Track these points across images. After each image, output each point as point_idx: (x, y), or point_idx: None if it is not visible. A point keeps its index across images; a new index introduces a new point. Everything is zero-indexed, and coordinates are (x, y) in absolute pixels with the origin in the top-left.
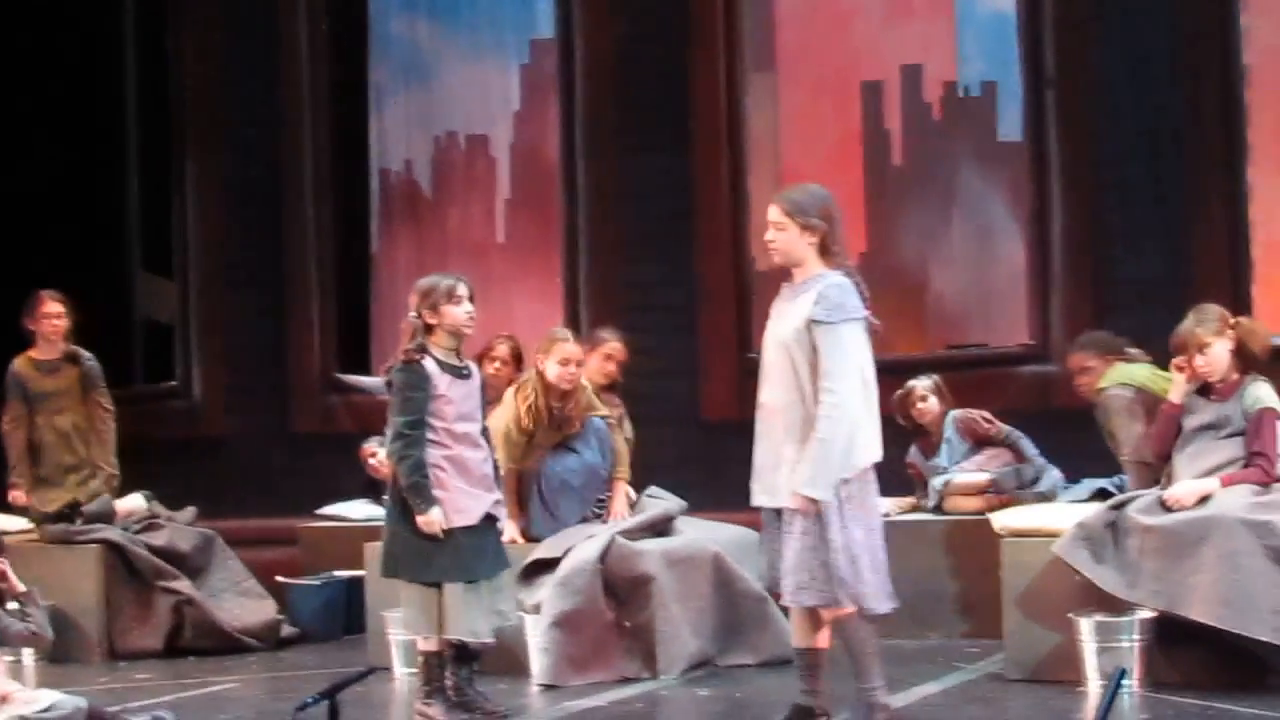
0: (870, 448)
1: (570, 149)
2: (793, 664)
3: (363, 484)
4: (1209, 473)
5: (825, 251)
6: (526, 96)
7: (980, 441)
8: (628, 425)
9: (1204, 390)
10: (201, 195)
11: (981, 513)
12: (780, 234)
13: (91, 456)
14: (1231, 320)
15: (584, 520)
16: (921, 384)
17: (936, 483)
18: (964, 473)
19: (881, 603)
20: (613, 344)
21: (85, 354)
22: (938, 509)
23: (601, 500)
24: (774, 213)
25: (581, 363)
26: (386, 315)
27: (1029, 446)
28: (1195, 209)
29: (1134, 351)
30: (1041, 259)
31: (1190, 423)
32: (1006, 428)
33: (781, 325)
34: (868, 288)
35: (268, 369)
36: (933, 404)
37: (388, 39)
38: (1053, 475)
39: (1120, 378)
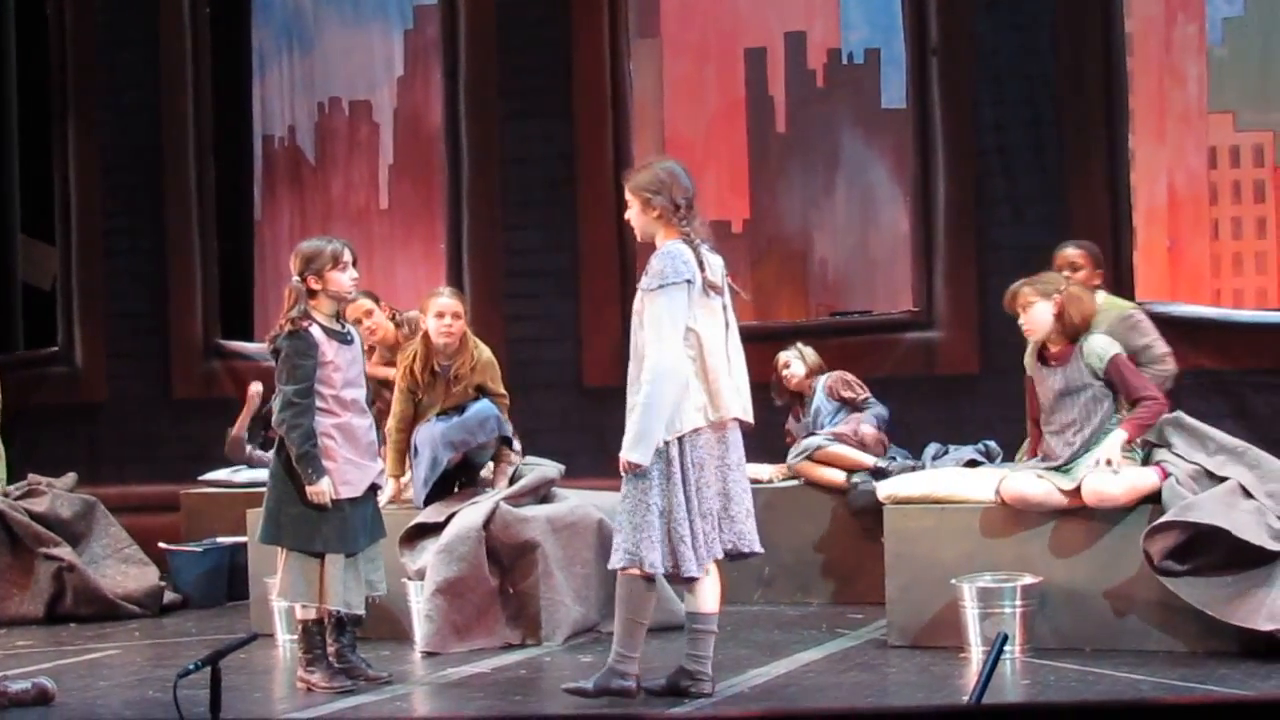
0: (700, 411)
1: (453, 114)
2: (680, 630)
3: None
4: (1077, 435)
5: (670, 224)
6: (410, 62)
7: (843, 401)
8: None
9: (1044, 359)
10: (82, 160)
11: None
12: (630, 212)
13: None
14: (1062, 286)
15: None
16: (785, 353)
17: (810, 442)
18: (838, 443)
19: (696, 567)
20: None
21: None
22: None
23: (464, 478)
24: (626, 192)
25: (459, 314)
26: (269, 281)
27: (881, 419)
28: (1077, 176)
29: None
30: (924, 226)
31: (1045, 392)
32: (868, 398)
33: (636, 296)
34: (724, 254)
35: (149, 334)
36: (797, 369)
37: (270, 4)
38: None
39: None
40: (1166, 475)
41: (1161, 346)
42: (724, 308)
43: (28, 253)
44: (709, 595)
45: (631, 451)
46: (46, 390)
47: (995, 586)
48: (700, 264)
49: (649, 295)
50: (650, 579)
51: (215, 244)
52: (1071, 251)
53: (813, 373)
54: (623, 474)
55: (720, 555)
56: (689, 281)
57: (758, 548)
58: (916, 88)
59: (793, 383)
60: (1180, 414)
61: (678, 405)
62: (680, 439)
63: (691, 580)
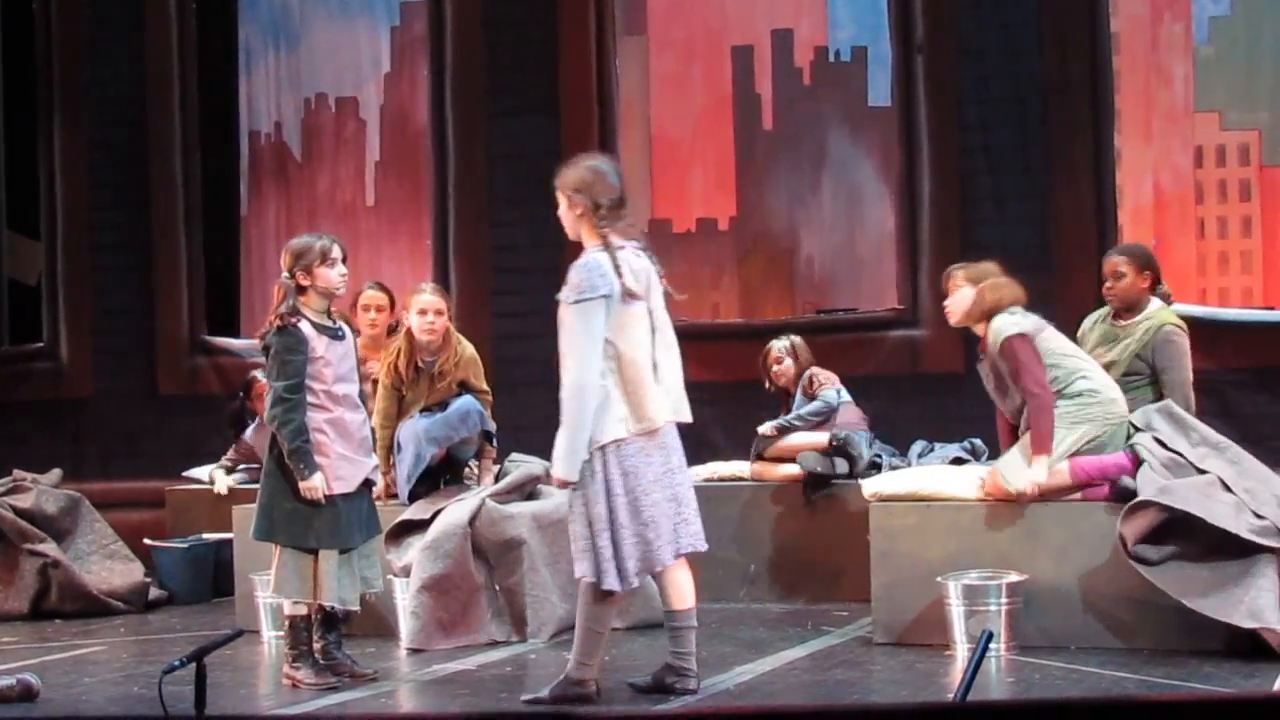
0: (622, 422)
1: (440, 111)
2: (662, 628)
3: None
4: (1014, 434)
5: (590, 223)
6: (396, 58)
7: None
8: None
9: (979, 357)
10: (69, 156)
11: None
12: (560, 209)
13: None
14: (991, 277)
15: (432, 487)
16: (778, 344)
17: (756, 443)
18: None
19: (616, 581)
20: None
21: None
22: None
23: (448, 474)
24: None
25: (441, 312)
26: (255, 277)
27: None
28: (1062, 175)
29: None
30: (910, 224)
31: (986, 385)
32: (829, 396)
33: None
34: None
35: (135, 330)
36: (788, 366)
37: (256, 0)
38: (861, 439)
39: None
40: (1139, 461)
41: (1180, 375)
42: (649, 311)
43: (13, 248)
44: (682, 592)
45: (559, 468)
46: (31, 386)
47: (980, 584)
48: (619, 271)
49: (564, 308)
50: (594, 584)
51: (201, 240)
52: (1114, 258)
53: (803, 370)
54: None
55: (671, 560)
56: (606, 296)
57: (704, 544)
58: (902, 86)
59: (780, 380)
60: (1169, 402)
61: (599, 418)
62: (603, 450)
63: (610, 593)
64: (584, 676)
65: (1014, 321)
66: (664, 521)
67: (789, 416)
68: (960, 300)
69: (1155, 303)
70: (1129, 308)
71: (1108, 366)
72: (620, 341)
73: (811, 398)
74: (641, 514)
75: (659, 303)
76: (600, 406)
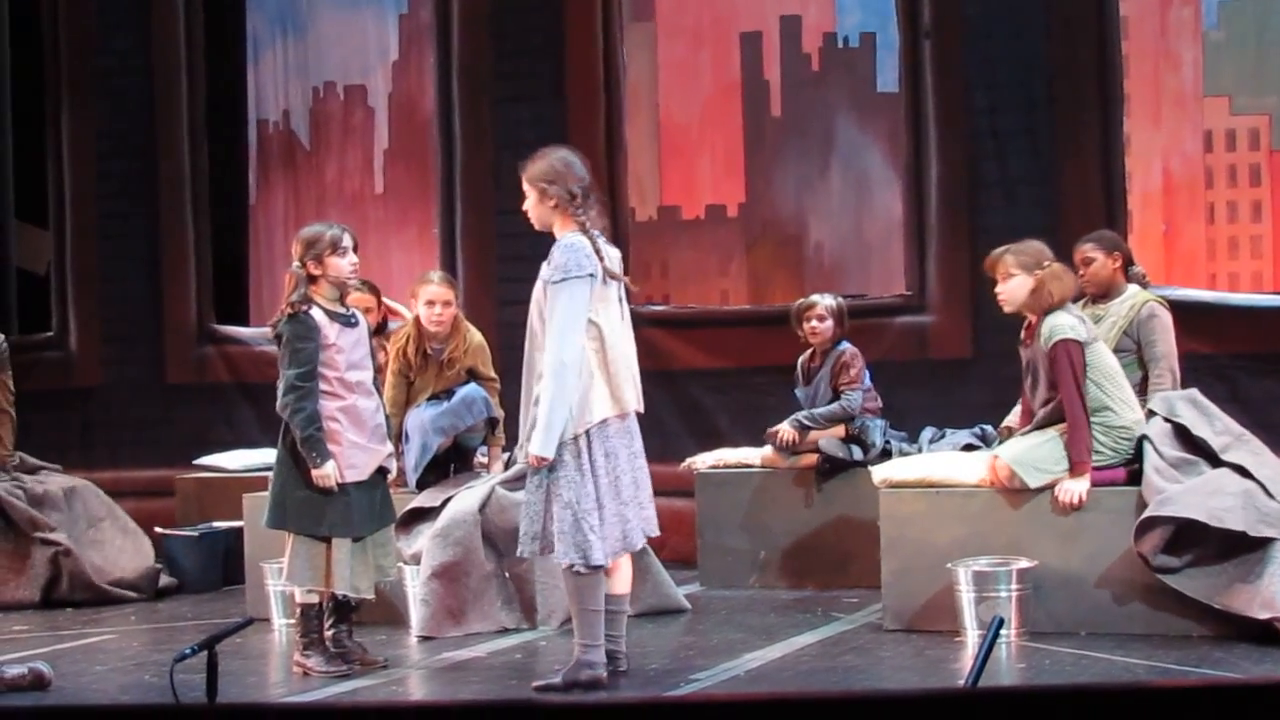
0: (606, 403)
1: (447, 98)
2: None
3: None
4: (1032, 419)
5: (566, 213)
6: (404, 46)
7: (835, 386)
8: None
9: (1022, 340)
10: (77, 145)
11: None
12: (527, 202)
13: None
14: (1046, 263)
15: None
16: (824, 301)
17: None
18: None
19: (602, 556)
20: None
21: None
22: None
23: (456, 462)
24: (524, 183)
25: (449, 303)
26: (263, 266)
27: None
28: (1071, 160)
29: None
30: (918, 210)
31: (1024, 369)
32: (852, 403)
33: (536, 286)
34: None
35: (143, 319)
36: (829, 326)
37: None
38: (876, 428)
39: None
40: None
41: (1165, 348)
42: (620, 299)
43: (22, 237)
44: (623, 578)
45: (537, 446)
46: (40, 375)
47: (990, 570)
48: (599, 254)
49: (552, 288)
50: (593, 569)
51: (209, 228)
52: (1082, 247)
53: (839, 337)
54: (529, 467)
55: (642, 542)
56: (592, 275)
57: (657, 530)
58: (909, 71)
59: (815, 339)
60: (1195, 391)
61: (584, 398)
62: (589, 431)
63: (598, 568)
64: (594, 658)
65: (1072, 325)
66: (632, 504)
67: (806, 415)
68: (1017, 289)
69: (1132, 288)
70: (1104, 292)
71: None
72: (602, 322)
73: (836, 386)
74: (621, 494)
75: (624, 293)
76: (586, 387)
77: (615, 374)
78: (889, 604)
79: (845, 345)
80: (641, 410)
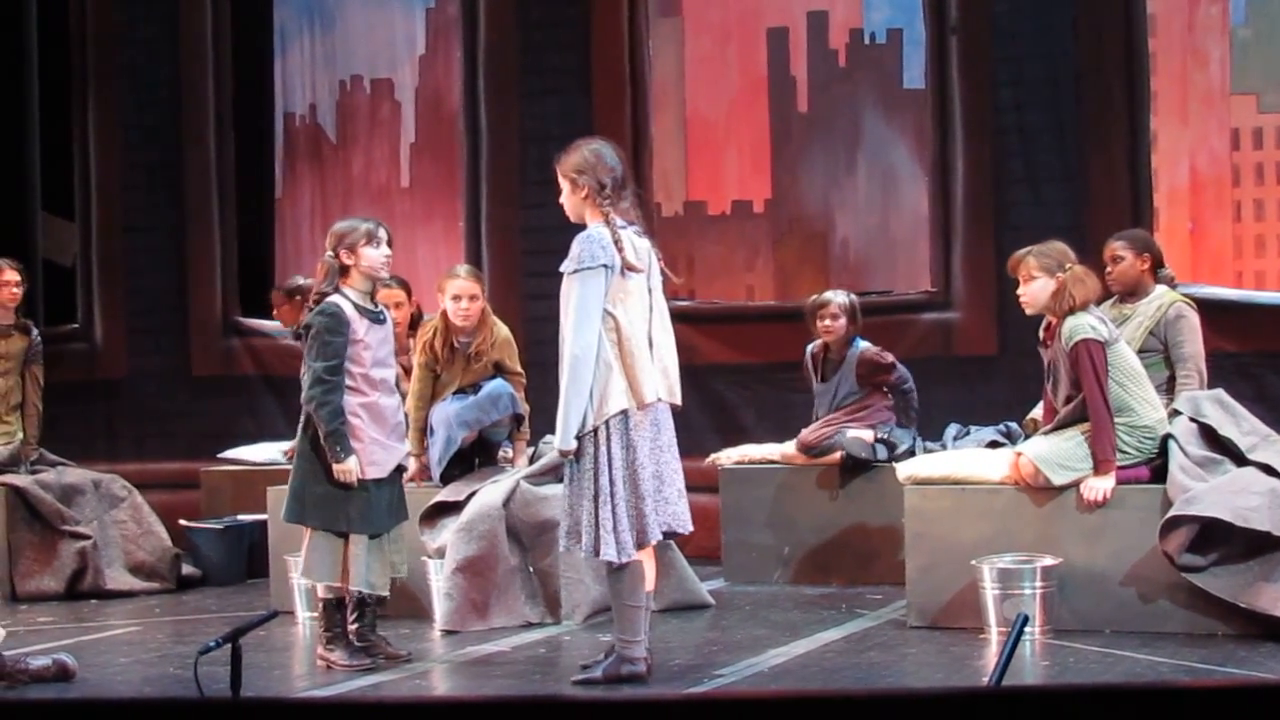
0: (623, 395)
1: (473, 92)
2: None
3: None
4: (1052, 420)
5: (595, 204)
6: (431, 40)
7: (873, 382)
8: None
9: (1041, 340)
10: (103, 137)
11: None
12: (562, 194)
13: (18, 424)
14: (1068, 265)
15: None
16: (839, 299)
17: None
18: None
19: (615, 552)
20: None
21: (34, 328)
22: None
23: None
24: (558, 175)
25: (475, 297)
26: (289, 259)
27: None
28: (1097, 157)
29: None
30: (943, 206)
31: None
32: (904, 376)
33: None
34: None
35: (169, 312)
36: (842, 324)
37: None
38: (907, 434)
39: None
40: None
41: (1193, 348)
42: (649, 290)
43: (48, 230)
44: (646, 573)
45: (558, 439)
46: (66, 367)
47: (1015, 568)
48: (619, 246)
49: (567, 279)
50: (623, 564)
51: (235, 221)
52: (1113, 244)
53: (851, 336)
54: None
55: (659, 538)
56: (606, 266)
57: (690, 527)
58: (936, 67)
59: (829, 337)
60: (1220, 391)
61: (602, 390)
62: (607, 423)
63: (627, 563)
64: (633, 654)
65: (1092, 324)
66: (650, 498)
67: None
68: (1039, 291)
69: (1160, 288)
70: (1131, 291)
71: None
72: (619, 314)
73: (874, 381)
74: (639, 487)
75: (658, 284)
76: (604, 379)
77: (633, 365)
78: (913, 601)
79: (863, 343)
80: (676, 402)
